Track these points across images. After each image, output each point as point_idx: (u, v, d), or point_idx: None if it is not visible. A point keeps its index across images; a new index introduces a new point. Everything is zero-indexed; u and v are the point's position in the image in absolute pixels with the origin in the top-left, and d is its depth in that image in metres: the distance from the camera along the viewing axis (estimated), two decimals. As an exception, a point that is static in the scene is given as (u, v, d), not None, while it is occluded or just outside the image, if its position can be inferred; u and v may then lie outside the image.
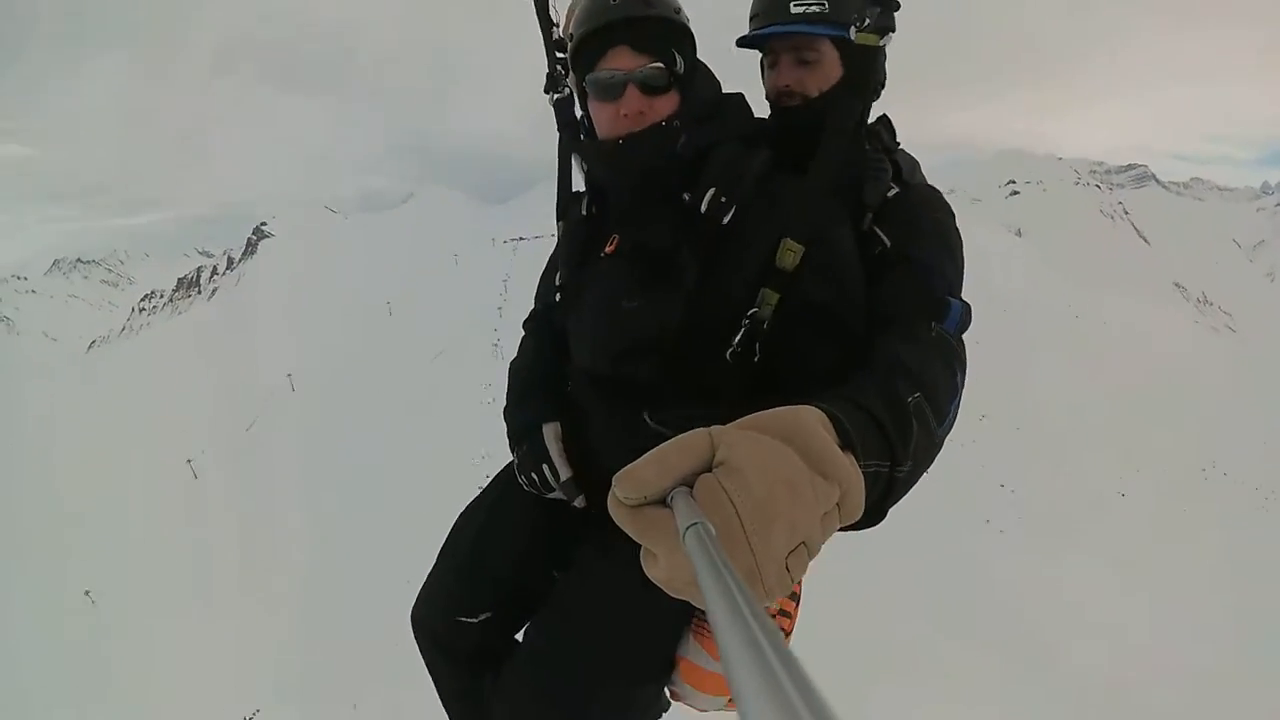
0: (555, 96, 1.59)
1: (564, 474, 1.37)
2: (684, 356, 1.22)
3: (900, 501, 0.92)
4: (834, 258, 1.20)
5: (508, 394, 1.56)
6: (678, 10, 1.28)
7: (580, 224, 1.45)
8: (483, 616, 1.45)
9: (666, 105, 1.26)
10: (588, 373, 1.39)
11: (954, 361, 1.10)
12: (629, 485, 0.64)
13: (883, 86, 1.41)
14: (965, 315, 1.23)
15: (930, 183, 1.49)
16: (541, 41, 1.66)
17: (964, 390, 1.10)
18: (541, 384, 1.50)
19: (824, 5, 1.37)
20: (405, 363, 56.87)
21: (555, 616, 1.34)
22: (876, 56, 1.33)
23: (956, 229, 1.40)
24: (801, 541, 0.62)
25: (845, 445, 0.74)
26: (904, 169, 1.44)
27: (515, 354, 1.63)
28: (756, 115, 1.41)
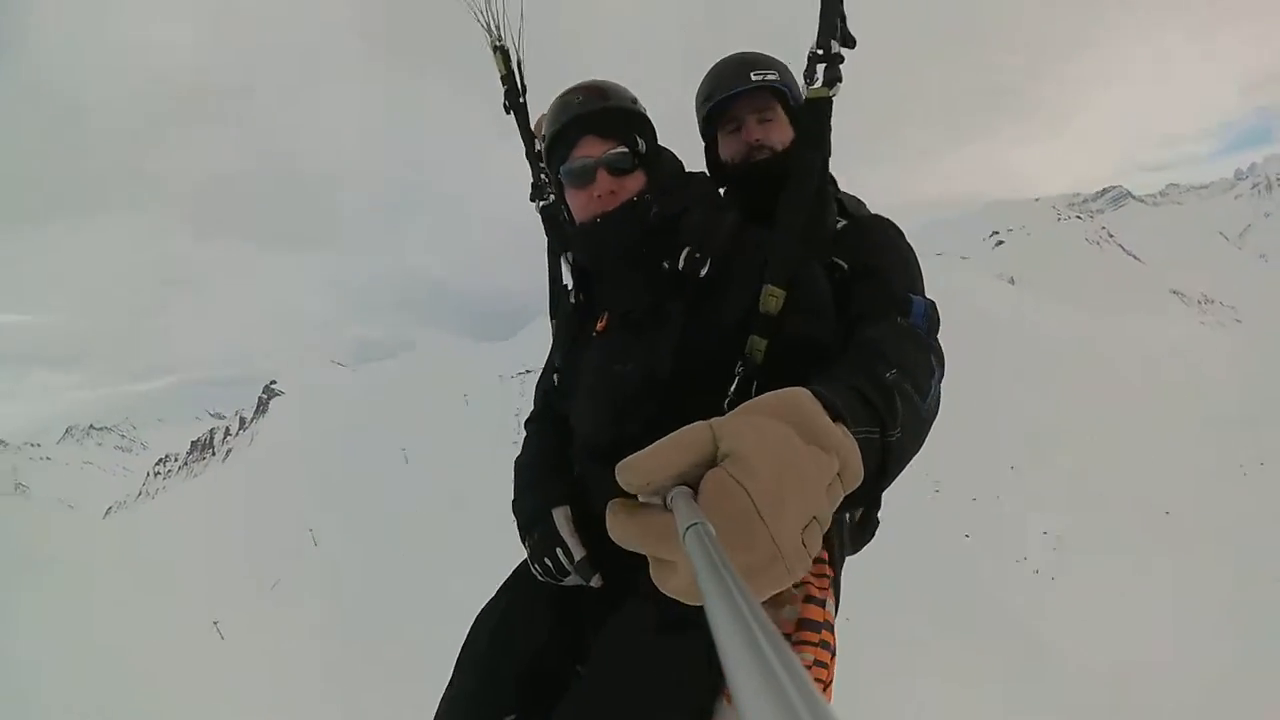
0: (541, 203, 1.77)
1: (578, 554, 1.37)
2: (680, 408, 1.22)
3: (898, 477, 0.94)
4: (814, 295, 1.29)
5: (515, 487, 1.57)
6: (634, 101, 1.42)
7: (571, 312, 1.54)
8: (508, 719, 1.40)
9: (634, 184, 1.39)
10: (591, 446, 1.42)
11: (925, 348, 1.14)
12: (631, 473, 0.65)
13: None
14: (931, 311, 1.31)
15: (903, 233, 1.59)
16: (525, 156, 1.84)
17: (943, 378, 1.13)
18: (548, 471, 1.52)
19: (776, 74, 1.60)
20: (427, 509, 56.76)
21: (576, 706, 1.27)
22: (829, 109, 1.41)
23: (906, 242, 1.53)
24: (813, 516, 0.64)
25: (835, 417, 0.75)
26: (849, 206, 1.61)
27: (520, 452, 1.65)
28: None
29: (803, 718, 0.30)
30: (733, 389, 1.23)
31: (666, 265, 1.33)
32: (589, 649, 1.35)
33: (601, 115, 1.38)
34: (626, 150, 1.38)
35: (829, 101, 1.40)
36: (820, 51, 1.39)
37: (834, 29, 1.36)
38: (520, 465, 1.61)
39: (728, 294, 1.29)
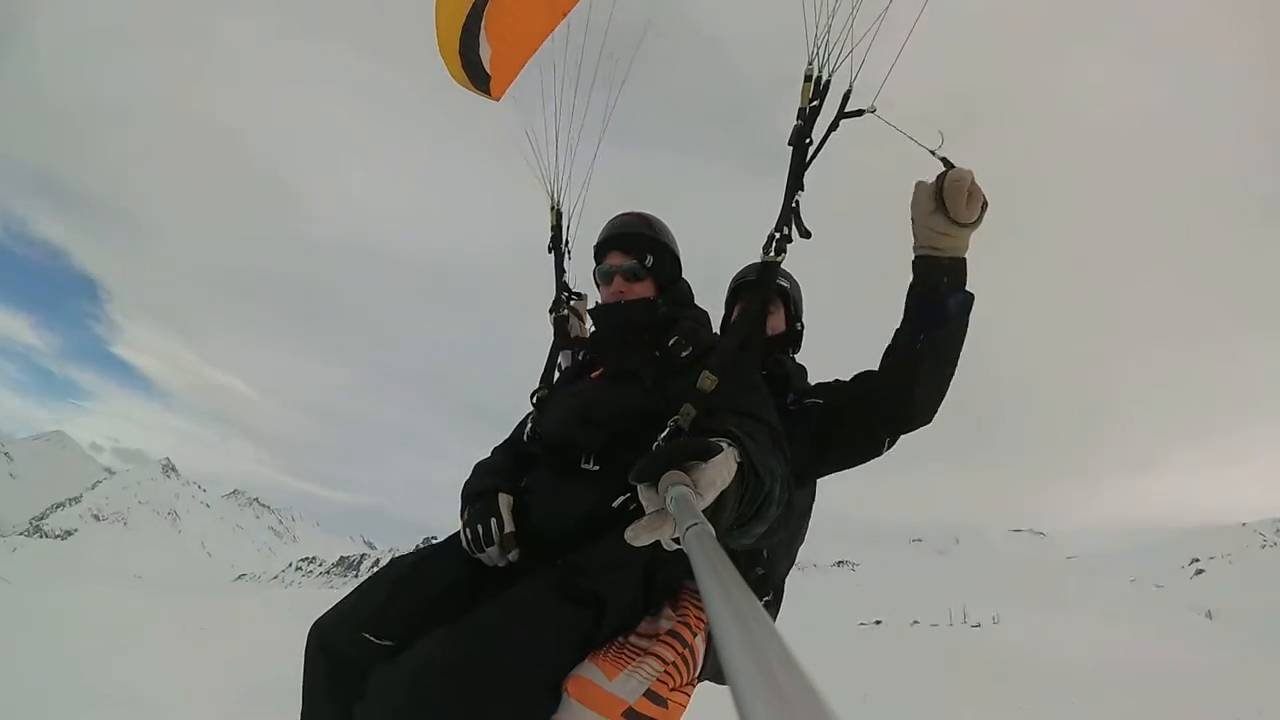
0: (555, 315, 2.35)
1: (509, 527, 1.66)
2: (628, 436, 1.64)
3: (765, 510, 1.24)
4: (739, 385, 1.65)
5: (471, 475, 1.90)
6: (658, 231, 2.00)
7: (574, 365, 2.11)
8: (385, 642, 1.49)
9: (641, 288, 1.95)
10: (550, 442, 1.82)
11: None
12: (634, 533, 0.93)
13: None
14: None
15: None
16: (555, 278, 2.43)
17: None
18: (503, 470, 1.85)
19: (787, 283, 2.32)
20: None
21: (455, 629, 1.38)
22: (776, 270, 1.92)
23: None
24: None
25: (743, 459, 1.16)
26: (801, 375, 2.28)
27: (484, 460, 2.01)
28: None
29: (800, 714, 0.30)
30: (663, 435, 1.57)
31: (658, 353, 1.83)
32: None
33: (628, 237, 1.98)
34: (637, 263, 1.94)
35: (778, 264, 1.90)
36: (776, 234, 1.88)
37: (788, 221, 1.87)
38: (480, 462, 1.95)
39: (688, 373, 1.70)
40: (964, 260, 1.79)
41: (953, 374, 1.86)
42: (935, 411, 1.91)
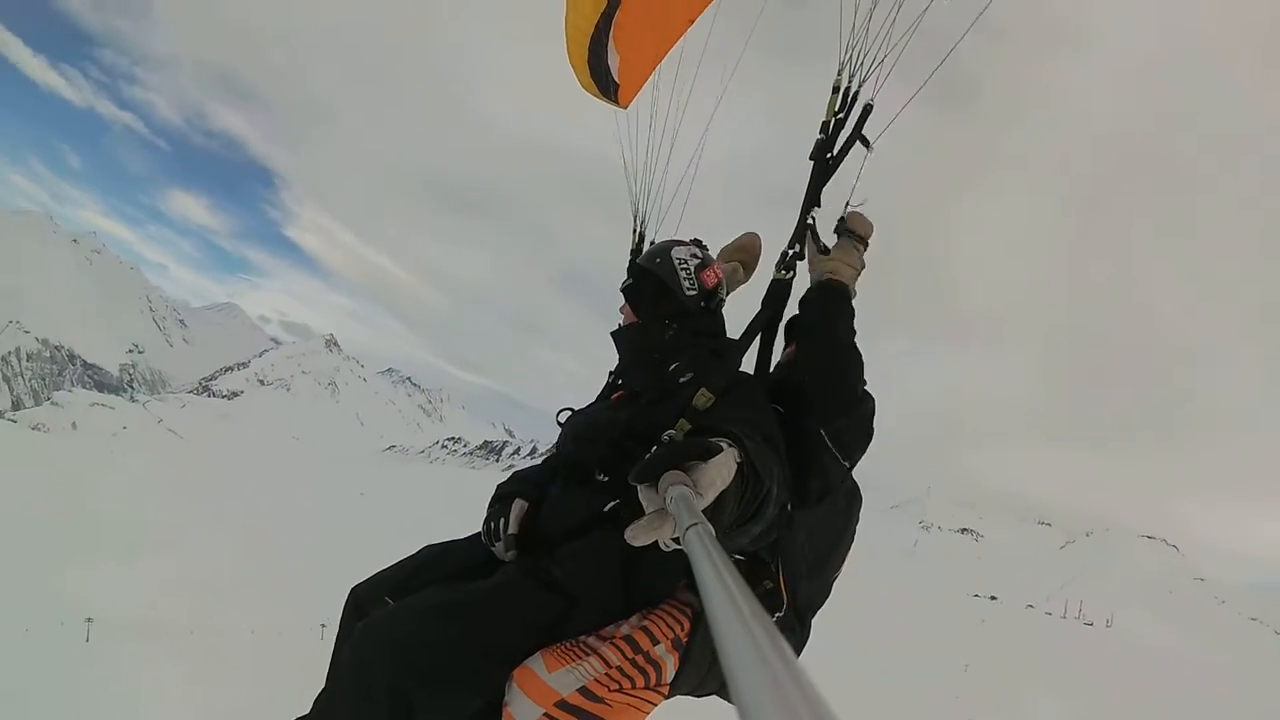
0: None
1: (513, 529, 1.87)
2: (624, 450, 1.75)
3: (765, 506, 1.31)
4: (736, 402, 1.76)
5: (508, 478, 2.12)
6: (648, 260, 2.03)
7: (605, 387, 2.24)
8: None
9: (628, 315, 2.05)
10: (562, 458, 1.99)
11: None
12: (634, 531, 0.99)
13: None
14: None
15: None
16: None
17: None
18: (529, 480, 2.04)
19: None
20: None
21: (440, 588, 1.70)
22: (786, 288, 2.02)
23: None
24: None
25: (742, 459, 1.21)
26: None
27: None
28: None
29: (800, 714, 0.31)
30: (654, 450, 1.55)
31: (662, 377, 1.93)
32: None
33: (628, 270, 2.09)
34: (622, 293, 2.06)
35: (788, 283, 2.00)
36: (789, 251, 1.97)
37: (802, 238, 1.95)
38: (517, 470, 2.16)
39: (684, 392, 1.83)
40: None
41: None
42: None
